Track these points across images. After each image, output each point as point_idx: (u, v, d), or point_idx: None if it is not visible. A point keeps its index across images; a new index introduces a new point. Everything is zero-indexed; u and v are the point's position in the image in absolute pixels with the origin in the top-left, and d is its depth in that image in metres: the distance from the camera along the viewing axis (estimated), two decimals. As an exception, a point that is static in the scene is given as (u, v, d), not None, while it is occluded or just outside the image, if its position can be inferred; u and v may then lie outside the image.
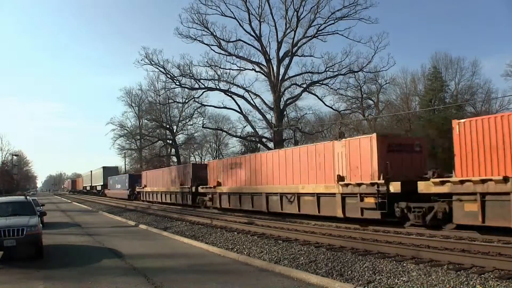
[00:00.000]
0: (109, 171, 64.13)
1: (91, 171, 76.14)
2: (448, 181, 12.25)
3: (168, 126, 66.98)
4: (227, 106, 48.48)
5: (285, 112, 47.55)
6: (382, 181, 14.13)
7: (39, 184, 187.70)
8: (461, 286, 6.43)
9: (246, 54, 45.62)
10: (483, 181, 11.30)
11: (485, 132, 11.79)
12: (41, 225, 11.24)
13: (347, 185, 15.57)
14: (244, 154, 44.20)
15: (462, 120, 12.64)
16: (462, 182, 11.85)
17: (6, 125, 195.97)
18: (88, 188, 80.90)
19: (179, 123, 68.33)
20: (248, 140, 51.77)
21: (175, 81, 47.26)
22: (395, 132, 40.17)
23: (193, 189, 28.75)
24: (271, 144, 45.88)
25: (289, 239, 11.91)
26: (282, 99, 45.70)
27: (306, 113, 51.53)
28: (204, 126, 59.63)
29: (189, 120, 66.55)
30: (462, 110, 43.85)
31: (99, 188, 69.33)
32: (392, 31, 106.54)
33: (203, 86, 47.27)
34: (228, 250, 10.91)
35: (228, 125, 65.10)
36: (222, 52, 45.70)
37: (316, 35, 44.50)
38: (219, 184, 25.49)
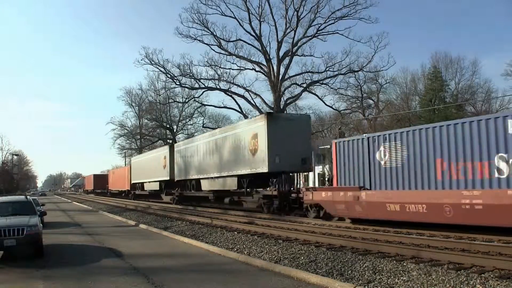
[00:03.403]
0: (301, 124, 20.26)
1: (172, 144, 35.52)
2: None
3: (168, 126, 67.05)
4: (227, 106, 48.69)
5: (285, 112, 47.56)
6: None
7: (39, 184, 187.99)
8: (461, 285, 6.42)
9: (246, 54, 45.73)
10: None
11: None
12: (41, 224, 11.26)
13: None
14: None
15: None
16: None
17: (6, 125, 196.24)
18: (154, 188, 35.68)
19: (179, 123, 68.46)
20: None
21: (175, 80, 47.36)
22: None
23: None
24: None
25: (289, 239, 11.89)
26: (282, 98, 45.77)
27: (306, 113, 51.60)
28: (204, 125, 59.77)
29: (189, 120, 66.79)
30: (462, 110, 43.88)
31: (232, 187, 22.30)
32: (392, 30, 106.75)
33: (203, 86, 47.37)
34: (228, 250, 10.90)
35: (228, 125, 65.20)
36: (222, 51, 45.82)
37: (316, 34, 44.57)
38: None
